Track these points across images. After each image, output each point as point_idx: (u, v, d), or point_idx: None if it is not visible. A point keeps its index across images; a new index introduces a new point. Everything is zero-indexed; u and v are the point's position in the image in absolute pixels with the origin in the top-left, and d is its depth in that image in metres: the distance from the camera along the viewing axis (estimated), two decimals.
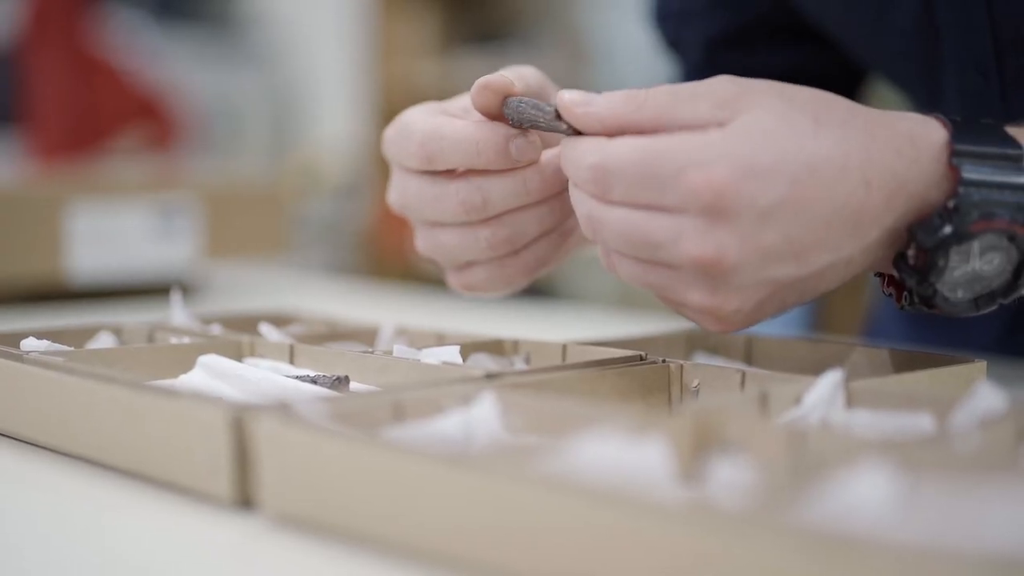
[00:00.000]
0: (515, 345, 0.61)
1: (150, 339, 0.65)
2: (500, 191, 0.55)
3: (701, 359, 0.61)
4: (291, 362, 0.59)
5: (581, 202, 0.50)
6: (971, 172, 0.48)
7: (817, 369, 0.50)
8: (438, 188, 0.56)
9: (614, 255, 0.50)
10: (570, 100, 0.50)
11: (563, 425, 0.42)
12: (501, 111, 0.54)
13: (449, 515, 0.37)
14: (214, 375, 0.54)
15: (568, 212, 0.55)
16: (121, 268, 1.13)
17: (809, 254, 0.47)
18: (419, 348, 0.57)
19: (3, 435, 0.55)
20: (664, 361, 0.55)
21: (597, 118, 0.49)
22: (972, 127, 0.49)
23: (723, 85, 0.48)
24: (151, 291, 1.10)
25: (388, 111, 2.91)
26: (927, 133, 0.49)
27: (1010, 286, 0.50)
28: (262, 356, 0.61)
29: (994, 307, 0.51)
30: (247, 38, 3.67)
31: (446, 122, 0.55)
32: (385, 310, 1.07)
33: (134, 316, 0.75)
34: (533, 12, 3.13)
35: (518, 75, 0.57)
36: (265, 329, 0.66)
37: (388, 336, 0.66)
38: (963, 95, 0.67)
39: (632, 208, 0.48)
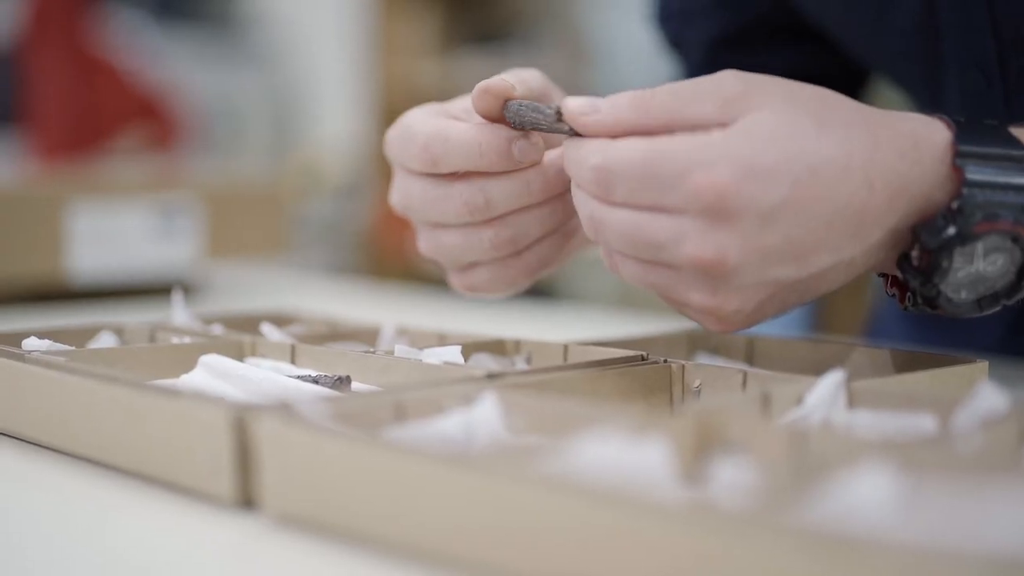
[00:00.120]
0: (517, 345, 0.61)
1: (151, 339, 0.65)
2: (503, 192, 0.55)
3: (703, 359, 0.61)
4: (292, 362, 0.59)
5: (584, 203, 0.50)
6: (975, 173, 0.48)
7: (819, 369, 0.50)
8: (441, 189, 0.56)
9: (616, 255, 0.50)
10: (575, 108, 0.49)
11: (564, 425, 0.42)
12: (502, 115, 0.54)
13: (450, 515, 0.37)
14: (215, 375, 0.54)
15: (570, 213, 0.55)
16: (122, 268, 1.13)
17: (810, 255, 0.47)
18: (420, 348, 0.57)
19: (5, 435, 0.55)
20: (666, 361, 0.54)
21: (603, 126, 0.48)
22: (976, 128, 0.49)
23: (729, 82, 0.48)
24: (152, 291, 1.10)
25: (389, 111, 2.92)
26: (931, 134, 0.49)
27: (1013, 287, 0.50)
28: (263, 356, 0.61)
29: (997, 308, 0.51)
30: (247, 38, 3.67)
31: (449, 124, 0.55)
32: (386, 310, 1.06)
33: (135, 316, 0.75)
34: (533, 12, 3.13)
35: (520, 78, 0.57)
36: (267, 329, 0.66)
37: (389, 336, 0.66)
38: (965, 95, 0.67)
39: (634, 209, 0.47)
